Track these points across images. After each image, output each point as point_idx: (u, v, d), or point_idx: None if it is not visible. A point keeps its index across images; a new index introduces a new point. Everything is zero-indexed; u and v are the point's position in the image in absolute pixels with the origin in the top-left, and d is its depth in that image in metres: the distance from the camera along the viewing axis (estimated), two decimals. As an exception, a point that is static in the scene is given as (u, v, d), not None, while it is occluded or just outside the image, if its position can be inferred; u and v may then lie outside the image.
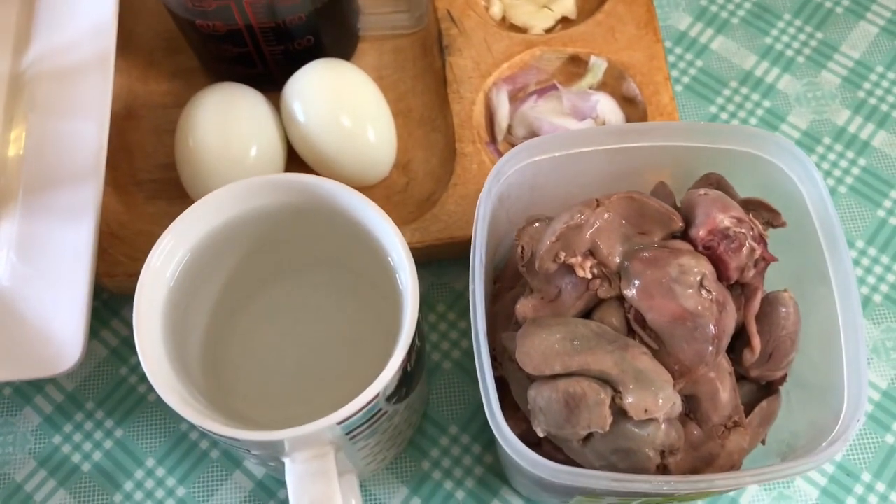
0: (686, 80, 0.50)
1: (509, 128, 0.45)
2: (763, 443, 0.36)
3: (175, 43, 0.48)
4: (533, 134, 0.45)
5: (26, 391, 0.44)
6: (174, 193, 0.45)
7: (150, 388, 0.44)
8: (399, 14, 0.47)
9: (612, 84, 0.46)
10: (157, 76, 0.48)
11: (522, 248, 0.33)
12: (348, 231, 0.35)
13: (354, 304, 0.38)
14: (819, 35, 0.50)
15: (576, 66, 0.46)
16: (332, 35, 0.45)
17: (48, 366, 0.37)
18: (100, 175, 0.40)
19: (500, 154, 0.45)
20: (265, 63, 0.45)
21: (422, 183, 0.45)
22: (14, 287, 0.40)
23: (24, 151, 0.43)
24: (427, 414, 0.43)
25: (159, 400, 0.44)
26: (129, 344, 0.45)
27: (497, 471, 0.42)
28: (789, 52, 0.50)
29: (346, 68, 0.44)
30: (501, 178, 0.33)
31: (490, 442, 0.42)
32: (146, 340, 0.32)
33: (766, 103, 0.49)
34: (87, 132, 0.41)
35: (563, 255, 0.32)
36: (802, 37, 0.50)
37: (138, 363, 0.44)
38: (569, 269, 0.32)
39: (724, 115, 0.49)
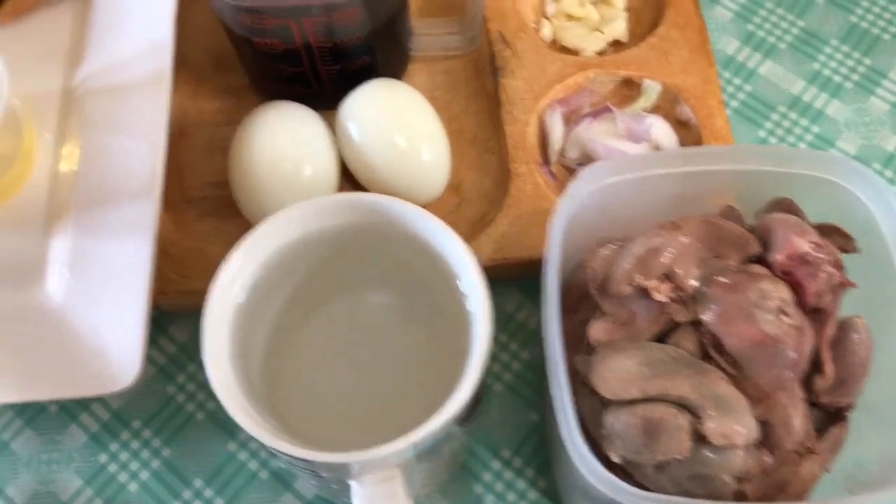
0: (735, 104, 0.50)
1: (562, 149, 0.45)
2: (828, 471, 0.36)
3: (225, 61, 0.48)
4: (586, 156, 0.45)
5: (72, 409, 0.43)
6: (225, 212, 0.45)
7: (199, 407, 0.43)
8: (451, 36, 0.47)
9: (665, 107, 0.46)
10: (206, 94, 0.48)
11: (594, 270, 0.33)
12: (414, 251, 0.35)
13: (415, 325, 0.38)
14: (867, 61, 0.51)
15: (629, 88, 0.46)
16: (386, 55, 0.45)
17: (104, 384, 0.37)
18: (156, 193, 0.39)
19: (553, 176, 0.45)
20: (319, 82, 0.45)
21: (474, 204, 0.45)
22: (68, 303, 0.40)
23: (77, 167, 0.43)
24: (478, 436, 0.43)
25: (207, 419, 0.43)
26: (176, 362, 0.44)
27: (552, 495, 0.41)
28: (837, 78, 0.50)
29: (402, 88, 0.44)
30: (575, 200, 0.32)
31: (544, 465, 0.42)
32: (214, 358, 0.32)
33: (815, 128, 0.49)
34: (143, 150, 0.41)
35: (639, 279, 0.32)
36: (850, 62, 0.51)
37: (186, 381, 0.44)
38: (643, 292, 0.32)
39: (773, 140, 0.49)
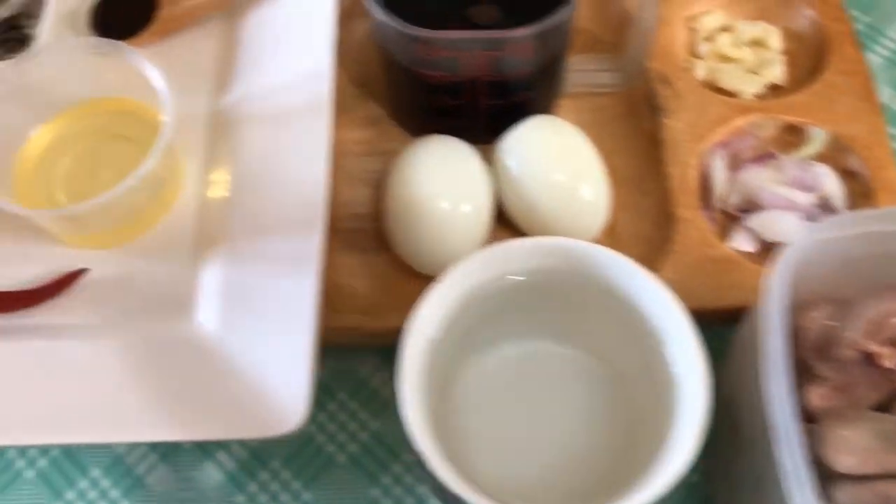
0: None
1: (723, 195, 0.43)
2: None
3: (365, 90, 0.47)
4: (750, 202, 0.43)
5: (208, 446, 0.41)
6: (370, 245, 0.43)
7: (339, 448, 0.41)
8: (605, 73, 0.46)
9: (830, 155, 0.44)
10: (349, 124, 0.46)
11: (809, 331, 0.31)
12: (608, 303, 0.33)
13: (594, 382, 0.36)
14: None
15: (792, 134, 0.45)
16: (544, 91, 0.44)
17: (267, 426, 0.35)
18: (321, 225, 0.38)
19: (715, 222, 0.43)
20: (474, 116, 0.43)
21: (628, 247, 0.43)
22: (222, 336, 0.38)
23: (227, 194, 0.41)
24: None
25: (349, 461, 0.42)
26: (316, 400, 0.42)
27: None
28: None
29: (563, 126, 0.42)
30: (802, 250, 0.30)
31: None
32: (411, 402, 0.30)
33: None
34: (304, 179, 0.39)
35: (868, 344, 0.30)
36: None
37: (326, 421, 0.42)
38: (868, 358, 0.30)
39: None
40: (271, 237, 0.39)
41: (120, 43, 0.40)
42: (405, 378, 0.30)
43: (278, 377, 0.36)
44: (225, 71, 0.45)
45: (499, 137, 0.43)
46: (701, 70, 0.47)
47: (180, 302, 0.40)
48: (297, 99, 0.42)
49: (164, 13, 0.45)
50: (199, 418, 0.36)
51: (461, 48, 0.39)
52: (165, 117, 0.39)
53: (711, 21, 0.48)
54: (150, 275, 0.40)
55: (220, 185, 0.42)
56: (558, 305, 0.35)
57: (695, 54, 0.48)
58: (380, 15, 0.39)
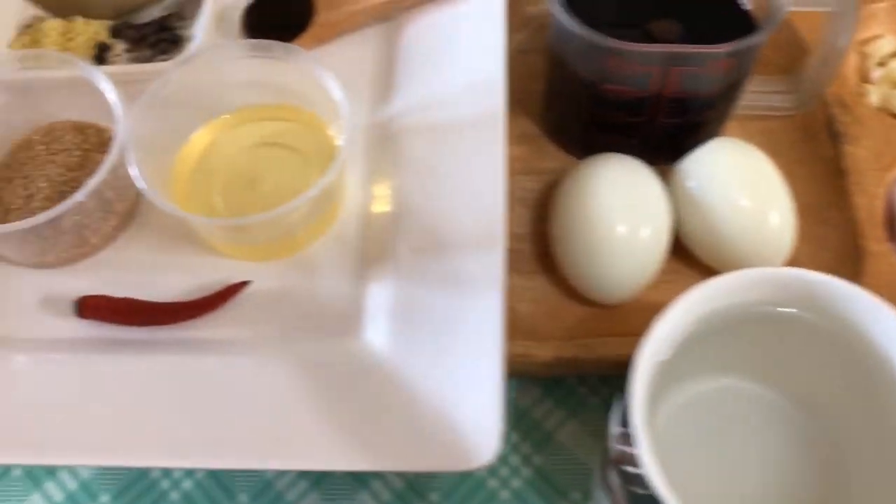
0: None
1: (910, 229, 0.41)
2: None
3: (520, 107, 0.45)
4: (943, 238, 0.40)
5: (363, 475, 0.39)
6: (528, 266, 0.41)
7: (503, 484, 0.39)
8: (779, 95, 0.43)
9: None
10: (503, 139, 0.45)
11: None
12: (844, 350, 0.30)
13: (803, 434, 0.33)
14: None
15: (980, 165, 0.42)
16: (722, 112, 0.41)
17: (453, 458, 0.32)
18: (502, 239, 0.36)
19: (904, 256, 0.41)
20: (647, 135, 0.41)
21: (808, 280, 0.41)
22: (395, 357, 0.36)
23: (392, 208, 0.39)
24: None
25: (513, 497, 0.39)
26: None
27: None
28: None
29: (748, 149, 0.40)
30: None
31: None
32: (645, 440, 0.27)
33: None
34: (481, 192, 0.37)
35: None
36: None
37: (487, 453, 0.40)
38: None
39: None
40: (447, 254, 0.37)
41: (295, 47, 0.38)
42: (637, 410, 0.27)
43: (464, 405, 0.33)
44: (384, 81, 0.43)
45: (666, 158, 0.41)
46: (874, 96, 0.45)
47: (345, 319, 0.37)
48: (467, 110, 0.40)
49: (321, 18, 0.44)
50: (372, 447, 0.34)
51: (656, 63, 0.37)
52: (342, 129, 0.37)
53: (884, 46, 0.46)
54: (312, 290, 0.38)
55: (383, 199, 0.40)
56: (771, 342, 0.33)
57: (867, 80, 0.46)
58: (574, 27, 0.37)
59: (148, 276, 0.39)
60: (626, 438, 0.29)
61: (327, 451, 0.34)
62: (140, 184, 0.35)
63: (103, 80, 0.38)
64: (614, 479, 0.31)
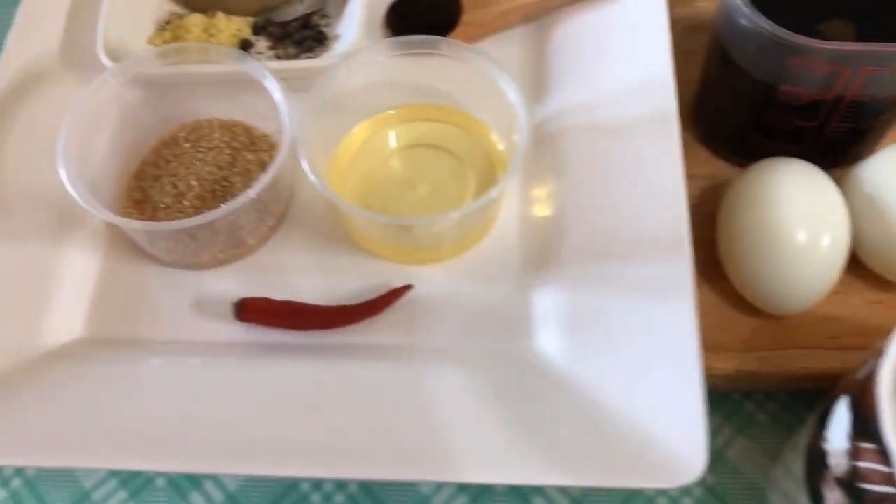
0: None
1: None
2: None
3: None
4: None
5: (524, 490, 0.37)
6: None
7: (672, 502, 0.37)
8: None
9: None
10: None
11: None
12: None
13: None
14: None
15: None
16: (890, 117, 0.40)
17: (657, 475, 0.30)
18: (688, 243, 0.34)
19: None
20: (814, 140, 0.40)
21: None
22: (574, 366, 0.34)
23: (556, 211, 0.38)
24: None
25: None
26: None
27: None
28: None
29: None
30: None
31: None
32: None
33: None
34: (658, 194, 0.36)
35: None
36: None
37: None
38: None
39: None
40: (623, 258, 0.35)
41: (464, 44, 0.37)
42: (889, 424, 0.26)
43: (662, 418, 0.32)
44: (535, 82, 0.41)
45: (825, 164, 0.40)
46: None
47: (514, 324, 0.36)
48: (634, 110, 0.38)
49: (469, 17, 0.43)
50: (559, 459, 0.32)
51: (845, 63, 0.35)
52: (520, 131, 0.35)
53: None
54: (475, 294, 0.37)
55: (544, 201, 0.38)
56: None
57: None
58: (762, 23, 0.35)
59: (302, 278, 0.38)
60: (862, 453, 0.28)
61: (512, 462, 0.32)
62: (314, 180, 0.34)
63: (269, 78, 0.36)
64: (836, 497, 0.29)
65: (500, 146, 0.39)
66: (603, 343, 0.34)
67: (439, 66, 0.38)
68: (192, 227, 0.34)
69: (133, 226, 0.36)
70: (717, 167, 0.43)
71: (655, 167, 0.37)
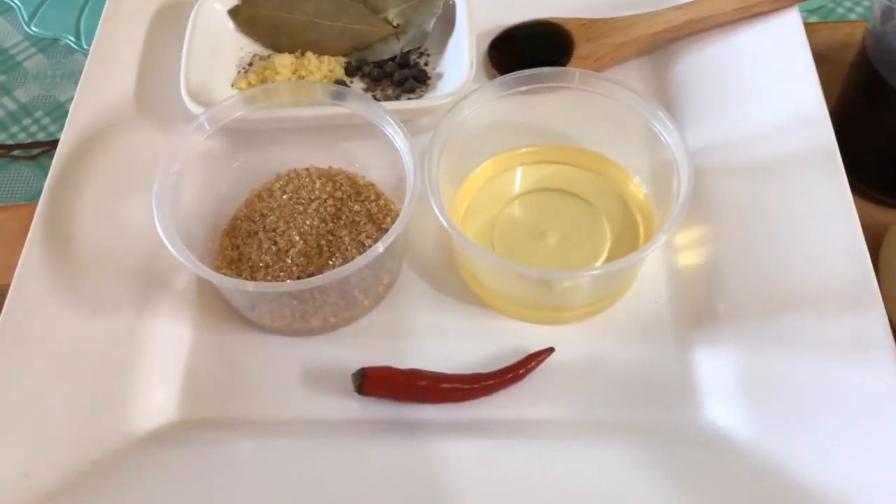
0: None
1: None
2: None
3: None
4: None
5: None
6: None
7: None
8: None
9: None
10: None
11: None
12: None
13: None
14: None
15: None
16: None
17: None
18: (876, 295, 0.30)
19: None
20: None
21: None
22: (756, 442, 0.29)
23: (706, 259, 0.33)
24: None
25: None
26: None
27: None
28: None
29: None
30: None
31: None
32: None
33: None
34: (831, 240, 0.31)
35: None
36: None
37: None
38: None
39: None
40: (800, 313, 0.31)
41: (608, 77, 0.33)
42: None
43: (870, 500, 0.27)
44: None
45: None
46: None
47: (675, 392, 0.31)
48: (786, 147, 0.34)
49: (581, 51, 0.39)
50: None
51: None
52: (682, 178, 0.31)
53: None
54: (624, 358, 0.32)
55: (693, 249, 0.34)
56: None
57: None
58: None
59: (423, 342, 0.33)
60: None
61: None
62: (449, 227, 0.30)
63: (388, 121, 0.32)
64: None
65: (643, 190, 0.35)
66: (791, 414, 0.29)
67: (567, 102, 0.34)
68: (292, 291, 0.30)
69: (241, 286, 0.30)
70: (865, 211, 0.39)
71: (824, 209, 0.32)
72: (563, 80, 0.33)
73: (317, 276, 0.29)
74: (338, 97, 0.33)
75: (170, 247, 0.30)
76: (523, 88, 0.33)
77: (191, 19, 0.39)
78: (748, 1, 0.37)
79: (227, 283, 0.30)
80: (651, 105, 0.32)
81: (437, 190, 0.31)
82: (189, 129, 0.33)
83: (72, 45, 0.46)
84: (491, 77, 0.40)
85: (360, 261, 0.29)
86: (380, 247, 0.29)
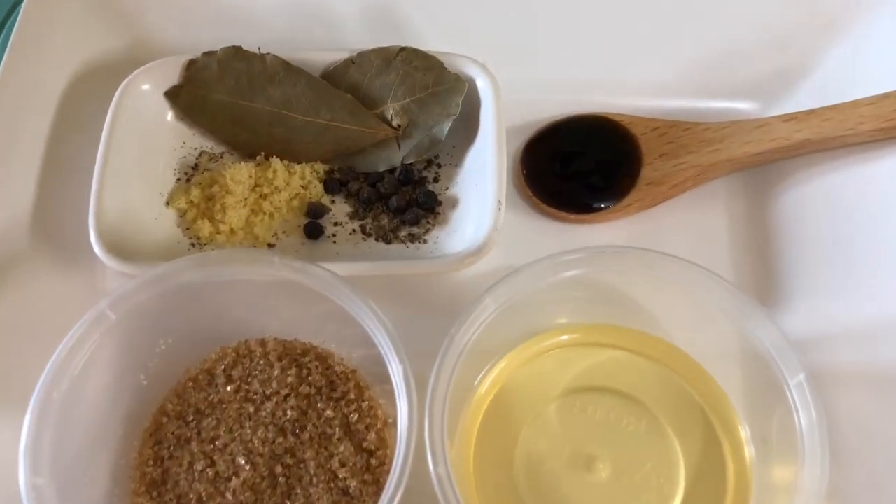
0: None
1: None
2: None
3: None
4: None
5: None
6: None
7: None
8: None
9: None
10: None
11: None
12: None
13: None
14: None
15: None
16: None
17: None
18: None
19: None
20: None
21: None
22: None
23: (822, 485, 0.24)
24: None
25: None
26: None
27: None
28: None
29: None
30: None
31: None
32: None
33: None
34: None
35: None
36: None
37: None
38: None
39: None
40: None
41: (674, 256, 0.23)
42: None
43: None
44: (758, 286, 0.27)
45: None
46: None
47: None
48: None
49: (652, 172, 0.28)
50: None
51: None
52: (799, 377, 0.21)
53: None
54: None
55: (793, 492, 0.24)
56: None
57: None
58: None
59: None
60: None
61: None
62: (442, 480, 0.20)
63: (370, 317, 0.22)
64: None
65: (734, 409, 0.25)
66: None
67: (632, 275, 0.24)
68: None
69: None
70: None
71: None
72: (627, 265, 0.23)
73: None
74: (303, 273, 0.23)
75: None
76: (574, 273, 0.23)
77: (112, 106, 0.28)
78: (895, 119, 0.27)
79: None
80: (746, 300, 0.22)
81: (444, 456, 0.21)
82: (87, 320, 0.23)
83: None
84: (521, 191, 0.29)
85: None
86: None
